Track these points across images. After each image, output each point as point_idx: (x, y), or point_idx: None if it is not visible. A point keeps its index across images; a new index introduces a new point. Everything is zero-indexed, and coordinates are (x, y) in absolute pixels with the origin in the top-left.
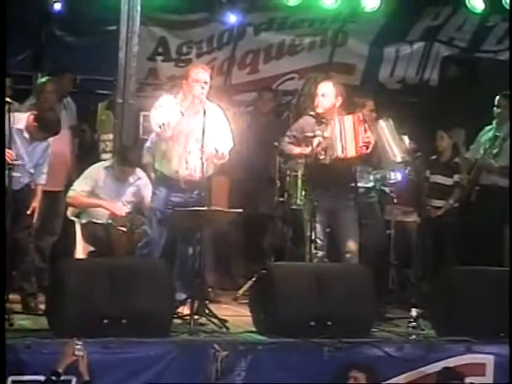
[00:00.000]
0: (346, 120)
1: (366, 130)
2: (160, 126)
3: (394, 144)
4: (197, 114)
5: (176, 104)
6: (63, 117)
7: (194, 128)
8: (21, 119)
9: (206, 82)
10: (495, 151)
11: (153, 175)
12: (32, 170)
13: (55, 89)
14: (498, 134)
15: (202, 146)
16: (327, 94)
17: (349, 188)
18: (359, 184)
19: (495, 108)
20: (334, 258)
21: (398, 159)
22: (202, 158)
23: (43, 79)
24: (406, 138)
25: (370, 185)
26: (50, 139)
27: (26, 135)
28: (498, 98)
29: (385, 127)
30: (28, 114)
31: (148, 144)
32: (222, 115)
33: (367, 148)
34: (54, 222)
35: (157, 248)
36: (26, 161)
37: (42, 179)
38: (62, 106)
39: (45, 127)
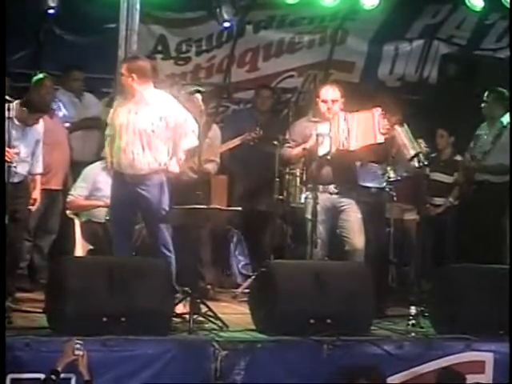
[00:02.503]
0: (366, 114)
1: (384, 124)
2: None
3: (411, 148)
4: (135, 107)
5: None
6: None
7: (132, 121)
8: (9, 109)
9: (130, 70)
10: (486, 150)
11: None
12: (28, 159)
13: (53, 85)
14: (482, 132)
15: (146, 141)
16: (335, 99)
17: (351, 185)
18: (370, 184)
19: (483, 103)
20: (337, 256)
21: (416, 164)
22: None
23: (41, 75)
24: (422, 142)
25: (383, 185)
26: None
27: (17, 122)
28: (486, 93)
29: (401, 132)
30: (15, 102)
31: None
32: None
33: (384, 134)
34: (52, 220)
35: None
36: (21, 149)
37: (39, 167)
38: (76, 101)
39: (35, 108)
